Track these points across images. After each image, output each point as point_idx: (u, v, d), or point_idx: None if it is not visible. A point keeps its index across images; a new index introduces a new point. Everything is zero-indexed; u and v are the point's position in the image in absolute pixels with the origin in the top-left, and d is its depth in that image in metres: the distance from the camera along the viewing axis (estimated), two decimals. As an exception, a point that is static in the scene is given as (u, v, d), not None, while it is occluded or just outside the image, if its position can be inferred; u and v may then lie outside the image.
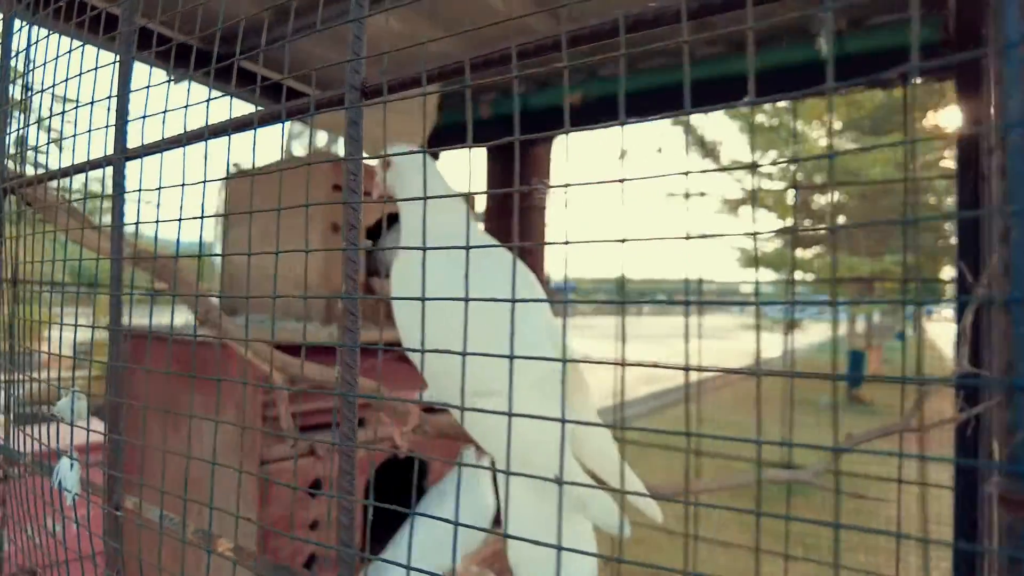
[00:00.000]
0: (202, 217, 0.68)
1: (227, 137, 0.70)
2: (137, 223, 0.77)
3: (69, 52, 0.90)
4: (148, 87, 0.74)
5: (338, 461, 0.54)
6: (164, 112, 0.72)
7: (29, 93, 1.02)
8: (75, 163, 0.88)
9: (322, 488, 1.53)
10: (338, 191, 1.75)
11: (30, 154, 1.04)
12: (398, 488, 1.88)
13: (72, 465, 0.84)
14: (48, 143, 0.94)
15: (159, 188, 0.72)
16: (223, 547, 0.70)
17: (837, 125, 11.04)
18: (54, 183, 0.95)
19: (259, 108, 0.79)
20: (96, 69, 0.83)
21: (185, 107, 0.72)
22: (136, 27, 0.80)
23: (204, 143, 0.71)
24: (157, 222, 0.74)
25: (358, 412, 1.75)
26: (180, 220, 0.71)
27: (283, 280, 1.76)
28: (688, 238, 0.49)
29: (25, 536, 1.23)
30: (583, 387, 0.80)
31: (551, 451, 0.62)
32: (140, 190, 0.76)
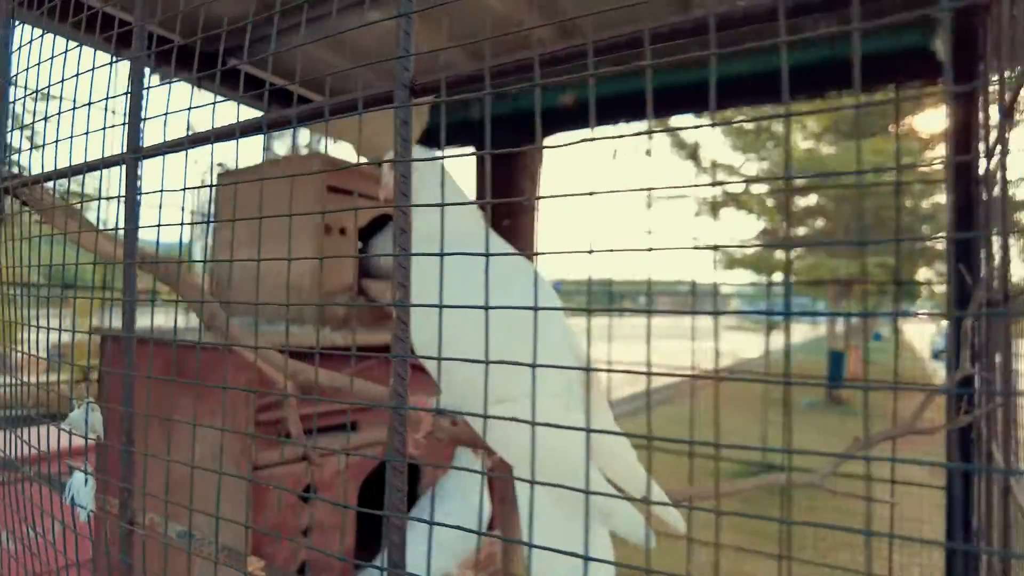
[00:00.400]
0: (232, 220, 0.67)
1: (263, 136, 0.69)
2: (159, 225, 0.75)
3: (81, 52, 0.88)
4: (171, 82, 0.72)
5: (389, 477, 0.52)
6: (189, 109, 0.70)
7: (13, 89, 1.00)
8: (88, 161, 0.86)
9: (315, 494, 1.51)
10: (331, 192, 1.73)
11: (19, 156, 1.01)
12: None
13: (87, 480, 0.81)
14: (56, 143, 0.91)
15: (184, 189, 0.71)
16: (254, 567, 0.68)
17: (815, 128, 11.18)
18: (49, 184, 0.92)
19: (274, 107, 0.77)
20: (112, 64, 0.80)
21: (213, 103, 0.71)
22: (149, 26, 0.78)
23: (235, 142, 0.69)
24: (182, 224, 0.72)
25: (351, 415, 1.73)
26: (209, 223, 0.69)
27: (273, 282, 1.74)
28: (715, 247, 0.49)
29: (7, 544, 1.20)
30: (600, 393, 0.79)
31: (575, 460, 0.61)
32: (161, 191, 0.73)
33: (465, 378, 0.67)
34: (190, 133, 0.74)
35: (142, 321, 1.29)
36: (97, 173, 0.85)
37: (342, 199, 1.77)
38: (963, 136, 1.57)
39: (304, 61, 2.10)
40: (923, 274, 12.41)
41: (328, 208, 1.74)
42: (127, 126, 0.78)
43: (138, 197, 0.77)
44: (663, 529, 0.70)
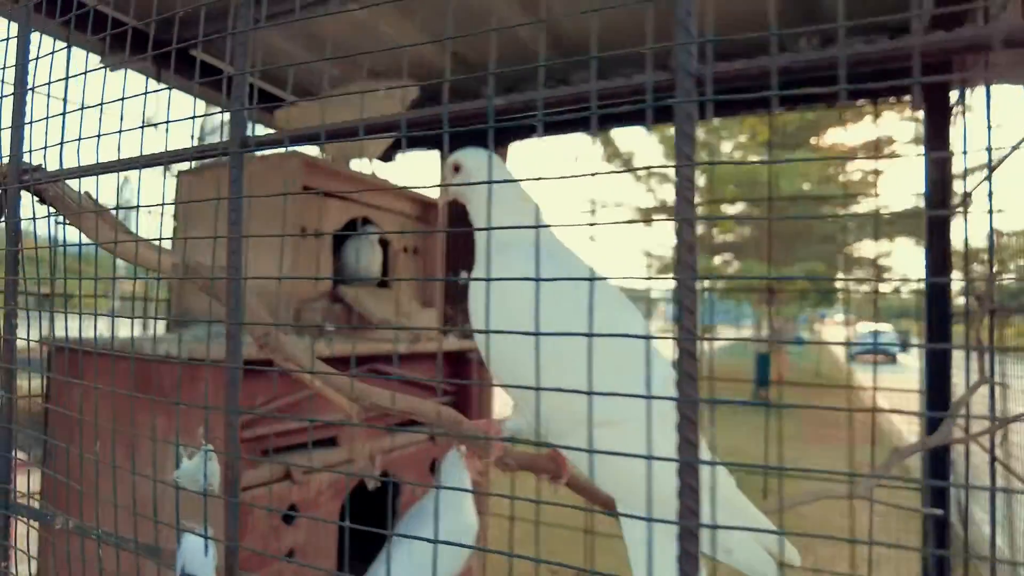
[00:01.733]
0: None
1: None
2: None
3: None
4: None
5: (683, 541, 0.44)
6: (291, 101, 0.62)
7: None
8: (195, 145, 0.76)
9: (298, 513, 1.41)
10: (309, 192, 1.64)
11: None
12: (370, 510, 1.78)
13: (207, 549, 0.69)
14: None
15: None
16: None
17: (744, 140, 11.60)
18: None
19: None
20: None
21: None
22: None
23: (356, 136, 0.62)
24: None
25: (329, 431, 1.63)
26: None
27: (248, 285, 1.63)
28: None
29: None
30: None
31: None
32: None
33: (553, 402, 0.62)
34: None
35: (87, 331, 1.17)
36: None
37: (319, 198, 1.69)
38: (940, 144, 1.63)
39: (267, 53, 1.99)
40: (841, 281, 13.02)
41: (304, 209, 1.65)
42: (232, 115, 0.70)
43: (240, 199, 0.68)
44: (780, 561, 0.67)
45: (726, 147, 11.20)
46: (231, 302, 0.67)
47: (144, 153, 0.75)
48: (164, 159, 0.76)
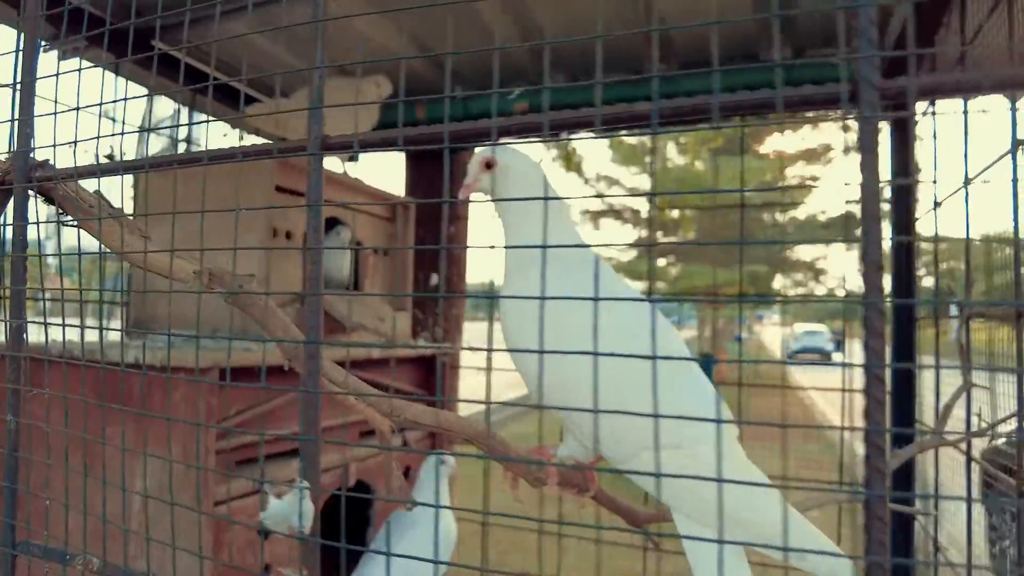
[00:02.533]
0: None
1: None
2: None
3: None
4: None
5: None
6: (358, 105, 0.58)
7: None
8: (277, 144, 0.70)
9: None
10: (281, 193, 1.58)
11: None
12: (348, 516, 1.73)
13: None
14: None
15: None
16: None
17: (690, 145, 11.89)
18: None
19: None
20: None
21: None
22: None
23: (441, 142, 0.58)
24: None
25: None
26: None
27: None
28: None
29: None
30: (734, 436, 0.73)
31: (738, 508, 0.58)
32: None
33: (618, 427, 0.62)
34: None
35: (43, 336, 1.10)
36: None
37: (291, 199, 1.63)
38: (902, 156, 1.69)
39: (240, 48, 1.91)
40: (779, 282, 13.55)
41: (275, 210, 1.60)
42: (310, 114, 0.65)
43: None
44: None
45: (671, 151, 11.45)
46: (312, 318, 0.63)
47: (212, 149, 0.70)
48: (238, 156, 0.71)
